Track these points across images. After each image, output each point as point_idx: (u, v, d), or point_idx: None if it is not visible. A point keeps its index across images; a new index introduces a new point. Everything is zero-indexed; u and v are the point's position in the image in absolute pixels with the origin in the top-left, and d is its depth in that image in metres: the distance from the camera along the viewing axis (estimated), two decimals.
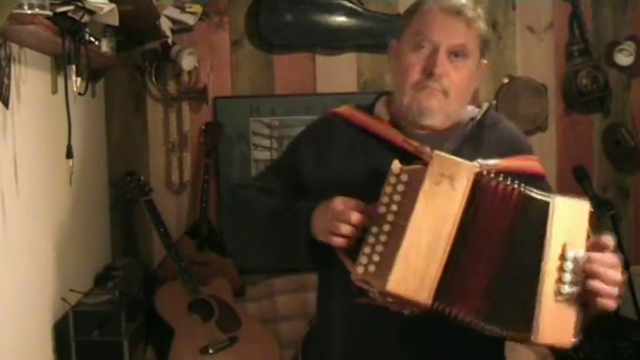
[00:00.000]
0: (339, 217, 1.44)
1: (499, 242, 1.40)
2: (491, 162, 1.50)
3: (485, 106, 1.69)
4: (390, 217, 1.42)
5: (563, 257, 1.39)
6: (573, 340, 1.39)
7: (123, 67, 3.36)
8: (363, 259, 1.41)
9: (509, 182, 1.41)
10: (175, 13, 3.31)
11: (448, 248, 1.38)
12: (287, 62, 3.56)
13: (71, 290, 2.66)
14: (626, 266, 3.34)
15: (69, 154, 2.26)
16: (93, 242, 3.19)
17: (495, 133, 1.65)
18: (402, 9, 3.50)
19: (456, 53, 1.56)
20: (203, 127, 3.50)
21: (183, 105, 3.52)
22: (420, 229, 1.37)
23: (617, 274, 1.41)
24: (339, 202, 1.47)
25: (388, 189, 1.44)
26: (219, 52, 3.54)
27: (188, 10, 3.34)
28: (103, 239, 3.40)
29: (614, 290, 1.40)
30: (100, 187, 3.40)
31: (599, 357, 3.20)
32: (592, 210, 1.45)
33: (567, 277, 1.39)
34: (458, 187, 1.39)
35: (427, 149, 1.48)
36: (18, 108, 2.18)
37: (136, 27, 3.06)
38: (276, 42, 3.52)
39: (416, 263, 1.36)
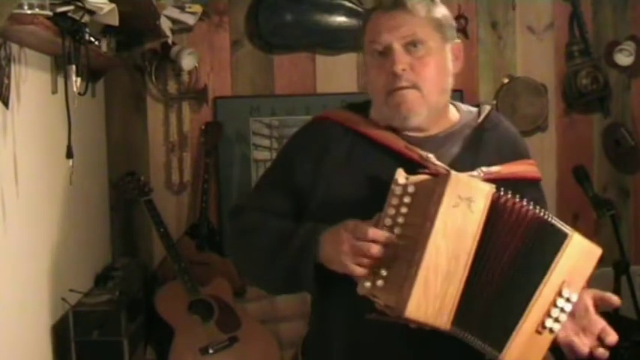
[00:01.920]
0: (362, 252, 1.40)
1: (511, 262, 1.39)
2: (494, 169, 1.50)
3: (486, 108, 1.66)
4: (397, 230, 1.40)
5: (558, 293, 1.38)
6: None
7: (123, 67, 3.36)
8: (370, 273, 1.40)
9: (524, 203, 1.40)
10: (175, 13, 3.31)
11: (467, 271, 1.37)
12: (287, 62, 3.56)
13: (71, 290, 2.66)
14: (626, 266, 3.35)
15: (69, 154, 2.26)
16: (93, 242, 3.19)
17: (496, 137, 1.63)
18: None
19: (412, 44, 1.52)
20: (203, 127, 3.50)
21: (183, 105, 3.52)
22: (439, 252, 1.36)
23: (594, 343, 1.39)
24: (353, 231, 1.42)
25: (394, 200, 1.41)
26: (219, 52, 3.54)
27: (188, 10, 3.34)
28: (103, 239, 3.40)
29: (584, 352, 1.39)
30: (100, 187, 3.39)
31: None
32: (601, 256, 1.43)
33: (555, 313, 1.38)
34: (475, 210, 1.38)
35: (434, 159, 1.46)
36: (18, 108, 2.18)
37: (136, 27, 3.06)
38: (276, 42, 3.52)
39: (435, 286, 1.35)
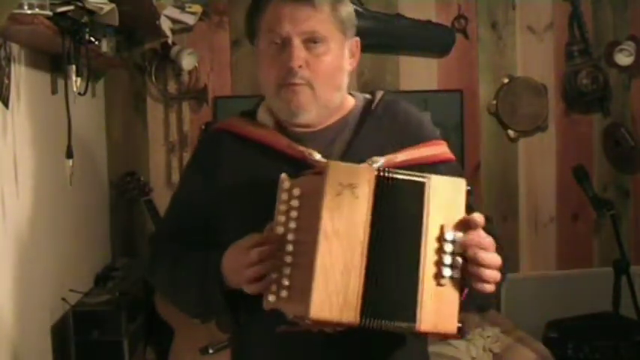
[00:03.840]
0: (244, 263, 1.36)
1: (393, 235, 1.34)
2: (389, 157, 1.45)
3: (379, 93, 1.61)
4: (290, 237, 1.35)
5: (441, 239, 1.33)
6: (458, 325, 1.32)
7: (123, 67, 3.36)
8: (273, 287, 1.34)
9: (407, 176, 1.35)
10: (175, 13, 3.31)
11: (365, 259, 1.31)
12: None
13: (71, 290, 2.66)
14: (626, 266, 3.36)
15: (69, 154, 2.26)
16: (93, 242, 3.19)
17: (391, 123, 1.57)
18: (402, 9, 3.51)
19: (312, 40, 1.48)
20: (203, 127, 3.50)
21: (183, 105, 3.52)
22: (332, 246, 1.30)
23: (496, 257, 1.34)
24: (237, 248, 1.40)
25: (282, 207, 1.37)
26: (219, 52, 3.54)
27: (188, 10, 3.34)
28: (102, 239, 3.40)
29: (495, 274, 1.34)
30: (100, 188, 3.39)
31: (599, 357, 3.20)
32: (469, 188, 1.38)
33: (447, 259, 1.33)
34: (360, 195, 1.32)
35: (317, 156, 1.43)
36: (18, 108, 2.18)
37: (136, 27, 3.06)
38: None
39: (335, 282, 1.28)
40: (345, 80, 1.56)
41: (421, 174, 1.37)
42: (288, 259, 1.34)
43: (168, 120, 3.53)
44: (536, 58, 3.71)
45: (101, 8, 2.18)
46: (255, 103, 1.64)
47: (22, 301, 2.20)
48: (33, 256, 2.31)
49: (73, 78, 2.16)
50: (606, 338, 3.21)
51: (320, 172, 1.37)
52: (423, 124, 1.62)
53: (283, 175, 1.39)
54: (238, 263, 1.38)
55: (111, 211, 3.51)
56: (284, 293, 1.33)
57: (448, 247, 1.33)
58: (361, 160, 1.44)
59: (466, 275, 1.34)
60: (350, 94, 1.62)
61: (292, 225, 1.35)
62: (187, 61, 3.39)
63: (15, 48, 2.17)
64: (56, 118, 2.45)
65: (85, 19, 2.15)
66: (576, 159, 3.58)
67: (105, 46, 2.76)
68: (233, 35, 3.55)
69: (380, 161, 1.44)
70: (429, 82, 3.62)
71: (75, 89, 2.19)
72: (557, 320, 3.39)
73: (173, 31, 3.34)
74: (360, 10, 3.48)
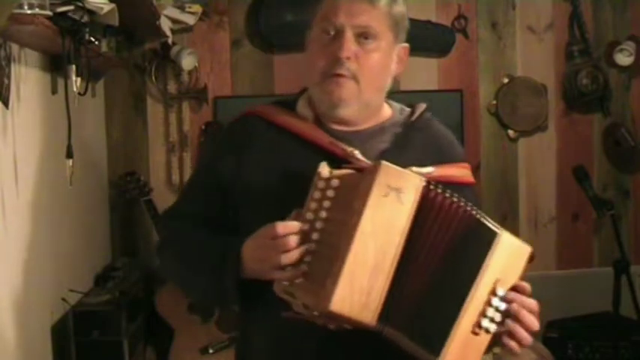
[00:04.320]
0: (278, 249, 1.33)
1: (441, 261, 1.34)
2: (425, 170, 1.44)
3: (421, 107, 1.61)
4: (318, 225, 1.34)
5: (492, 292, 1.34)
6: None
7: (123, 67, 3.36)
8: (289, 269, 1.33)
9: (455, 199, 1.35)
10: (175, 13, 3.31)
11: (394, 265, 1.30)
12: (287, 62, 3.56)
13: (71, 290, 2.66)
14: (626, 266, 3.35)
15: (69, 154, 2.26)
16: (93, 242, 3.19)
17: (428, 137, 1.58)
18: None
19: (364, 35, 1.47)
20: (203, 127, 3.50)
21: (183, 105, 3.52)
22: (367, 244, 1.28)
23: (536, 322, 1.35)
24: (264, 235, 1.36)
25: (317, 194, 1.36)
26: (219, 52, 3.54)
27: (188, 10, 3.34)
28: (103, 239, 3.40)
29: (528, 338, 1.34)
30: (100, 187, 3.39)
31: (599, 357, 3.20)
32: (531, 254, 1.39)
33: (490, 312, 1.33)
34: (405, 201, 1.31)
35: (360, 155, 1.41)
36: (18, 108, 2.18)
37: (136, 27, 3.06)
38: (276, 42, 3.51)
39: (361, 280, 1.28)
40: (388, 83, 1.55)
41: (495, 224, 1.36)
42: (311, 246, 1.33)
43: (168, 120, 3.53)
44: (536, 58, 3.72)
45: (101, 8, 2.18)
46: (294, 95, 1.63)
47: (22, 301, 2.20)
48: (33, 256, 2.30)
49: (73, 78, 2.15)
50: (606, 338, 3.21)
51: (362, 169, 1.37)
52: (454, 143, 1.64)
53: (323, 164, 1.38)
54: (267, 250, 1.35)
55: (111, 211, 3.51)
56: (299, 280, 1.33)
57: (495, 302, 1.34)
58: None
59: (499, 332, 1.34)
60: (387, 102, 1.62)
61: (323, 214, 1.34)
62: (187, 61, 3.39)
63: (15, 48, 2.17)
64: (56, 118, 2.45)
65: (85, 19, 2.14)
66: (576, 159, 3.58)
67: (105, 46, 2.76)
68: (233, 35, 3.55)
69: (419, 172, 1.41)
70: (429, 82, 3.63)
71: (75, 89, 2.19)
72: (557, 320, 3.38)
73: (173, 31, 3.34)
74: None
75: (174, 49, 3.39)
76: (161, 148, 3.54)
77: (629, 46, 3.65)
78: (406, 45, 1.58)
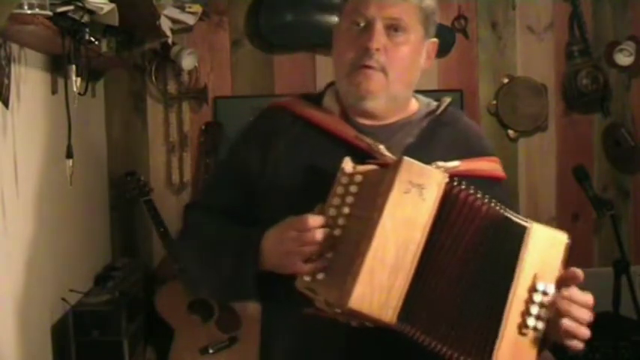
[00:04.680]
0: (301, 242, 1.32)
1: (467, 260, 1.31)
2: (451, 164, 1.41)
3: (446, 101, 1.59)
4: (340, 221, 1.33)
5: (532, 289, 1.30)
6: None
7: (123, 67, 3.36)
8: (309, 265, 1.32)
9: (479, 195, 1.32)
10: (175, 13, 3.31)
11: (415, 262, 1.28)
12: (287, 62, 3.56)
13: (71, 290, 2.66)
14: (626, 266, 3.35)
15: (69, 154, 2.26)
16: (93, 242, 3.19)
17: (454, 132, 1.56)
18: None
19: (394, 27, 1.45)
20: (203, 127, 3.50)
21: (183, 105, 3.52)
22: (387, 240, 1.26)
23: (588, 314, 1.31)
24: (286, 227, 1.35)
25: (340, 189, 1.35)
26: (219, 52, 3.54)
27: (188, 10, 3.34)
28: (103, 239, 3.40)
29: (586, 332, 1.31)
30: (100, 187, 3.40)
31: (599, 357, 3.19)
32: (569, 242, 1.35)
33: (534, 310, 1.29)
34: (427, 198, 1.29)
35: (384, 150, 1.39)
36: (18, 108, 2.18)
37: (136, 27, 3.06)
38: (276, 42, 3.52)
39: (381, 277, 1.25)
40: (416, 78, 1.54)
41: (523, 218, 1.34)
42: (333, 242, 1.32)
43: (168, 120, 3.53)
44: (536, 58, 3.71)
45: (101, 8, 2.18)
46: (321, 89, 1.61)
47: (22, 301, 2.20)
48: (33, 256, 2.31)
49: (73, 78, 2.16)
50: (606, 338, 3.20)
51: (386, 164, 1.35)
52: (483, 137, 1.63)
53: (347, 159, 1.37)
54: (291, 242, 1.34)
55: (111, 211, 3.51)
56: (321, 276, 1.31)
57: (537, 298, 1.30)
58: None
59: (553, 332, 1.30)
60: (414, 96, 1.60)
61: (345, 210, 1.33)
62: (187, 61, 3.39)
63: (15, 48, 2.17)
64: (56, 118, 2.45)
65: (85, 19, 2.14)
66: (576, 159, 3.57)
67: (105, 46, 2.76)
68: (233, 35, 3.55)
69: (444, 167, 1.39)
70: (429, 82, 3.62)
71: (75, 89, 2.19)
72: None
73: (173, 31, 3.34)
74: None
75: (174, 49, 3.39)
76: (161, 148, 3.54)
77: (629, 46, 3.65)
78: (435, 40, 1.57)
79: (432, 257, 1.29)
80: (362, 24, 1.47)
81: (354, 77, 1.47)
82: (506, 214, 1.34)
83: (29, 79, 2.29)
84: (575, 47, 3.68)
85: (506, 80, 3.68)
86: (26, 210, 2.26)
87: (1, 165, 2.06)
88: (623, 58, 3.64)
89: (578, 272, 1.33)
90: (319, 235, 1.32)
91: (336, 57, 1.52)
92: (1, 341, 2.04)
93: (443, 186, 1.31)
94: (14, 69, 2.13)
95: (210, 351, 3.08)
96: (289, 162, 1.50)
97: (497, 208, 1.34)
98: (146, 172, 3.50)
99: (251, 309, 3.34)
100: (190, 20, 3.38)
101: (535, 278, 1.31)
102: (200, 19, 3.42)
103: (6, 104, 2.04)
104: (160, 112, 3.53)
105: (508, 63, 3.70)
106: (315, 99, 1.59)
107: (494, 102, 3.69)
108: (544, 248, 1.33)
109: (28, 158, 2.26)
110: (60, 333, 2.54)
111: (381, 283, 1.26)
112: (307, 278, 1.32)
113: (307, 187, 1.44)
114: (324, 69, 3.56)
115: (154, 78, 3.49)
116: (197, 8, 3.37)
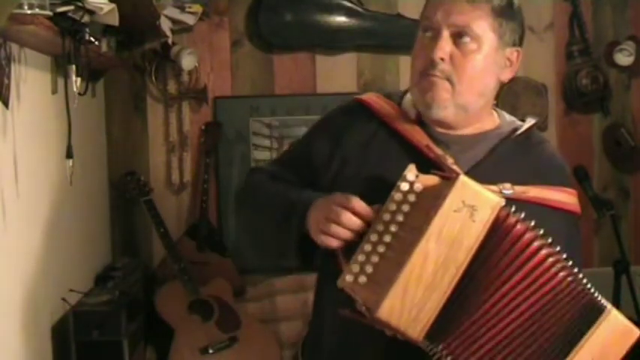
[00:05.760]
0: (338, 218, 1.33)
1: (520, 306, 1.26)
2: (520, 188, 1.36)
3: (529, 121, 1.56)
4: (393, 228, 1.31)
5: None
6: None
7: (123, 67, 3.36)
8: (355, 267, 1.31)
9: (532, 224, 1.27)
10: (175, 13, 3.31)
11: (454, 283, 1.25)
12: (287, 62, 3.56)
13: (71, 290, 2.66)
14: (626, 266, 3.35)
15: (69, 154, 2.26)
16: (93, 242, 3.19)
17: (533, 157, 1.51)
18: (402, 9, 3.50)
19: (460, 35, 1.42)
20: (203, 127, 3.50)
21: (183, 105, 3.52)
22: (428, 256, 1.24)
23: None
24: (340, 201, 1.36)
25: (397, 196, 1.32)
26: (219, 52, 3.54)
27: (188, 10, 3.34)
28: (103, 239, 3.40)
29: None
30: (100, 187, 3.40)
31: None
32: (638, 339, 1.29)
33: None
34: (478, 220, 1.24)
35: (451, 162, 1.36)
36: (18, 108, 2.18)
37: (136, 27, 3.06)
38: (276, 42, 3.52)
39: (415, 292, 1.24)
40: (491, 87, 1.50)
41: (603, 300, 1.30)
42: (381, 248, 1.31)
43: (168, 120, 3.53)
44: (536, 58, 3.71)
45: (101, 8, 2.18)
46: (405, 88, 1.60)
47: (23, 301, 2.20)
48: (33, 256, 2.31)
49: (73, 78, 2.15)
50: None
51: (448, 178, 1.31)
52: (565, 170, 1.57)
53: (411, 166, 1.35)
54: (329, 213, 1.35)
55: (111, 211, 3.51)
56: (363, 279, 1.31)
57: None
58: (485, 182, 1.33)
59: None
60: (496, 111, 1.58)
61: (399, 218, 1.32)
62: (187, 61, 3.39)
63: (15, 48, 2.17)
64: (56, 118, 2.45)
65: (85, 19, 2.14)
66: (576, 159, 3.56)
67: (105, 46, 2.76)
68: (233, 35, 3.55)
69: (510, 190, 1.36)
70: None
71: (75, 89, 2.19)
72: None
73: (173, 31, 3.34)
74: (360, 10, 3.49)
75: (174, 49, 3.39)
76: (161, 148, 3.54)
77: (629, 46, 3.65)
78: (518, 49, 1.54)
79: (471, 282, 1.26)
80: (430, 32, 1.45)
81: (421, 85, 1.45)
82: (588, 287, 1.29)
83: (29, 79, 2.29)
84: (575, 47, 3.68)
85: None
86: (26, 210, 2.26)
87: (1, 165, 2.06)
88: (623, 58, 3.64)
89: None
90: (355, 223, 1.33)
91: (411, 64, 1.51)
92: (2, 341, 2.04)
93: (497, 210, 1.26)
94: (14, 69, 2.13)
95: (210, 351, 3.08)
96: (356, 163, 1.50)
97: (573, 270, 1.29)
98: (146, 172, 3.50)
99: (251, 309, 3.35)
100: (190, 20, 3.38)
101: None
102: (200, 19, 3.42)
103: (6, 104, 2.04)
104: (159, 112, 3.53)
105: None
106: (396, 99, 1.57)
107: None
108: (611, 338, 1.28)
109: (28, 158, 2.26)
110: (60, 333, 2.54)
111: (413, 299, 1.24)
112: (349, 278, 1.32)
113: (369, 190, 1.41)
114: (324, 69, 3.57)
115: (154, 78, 3.49)
116: (197, 8, 3.37)
